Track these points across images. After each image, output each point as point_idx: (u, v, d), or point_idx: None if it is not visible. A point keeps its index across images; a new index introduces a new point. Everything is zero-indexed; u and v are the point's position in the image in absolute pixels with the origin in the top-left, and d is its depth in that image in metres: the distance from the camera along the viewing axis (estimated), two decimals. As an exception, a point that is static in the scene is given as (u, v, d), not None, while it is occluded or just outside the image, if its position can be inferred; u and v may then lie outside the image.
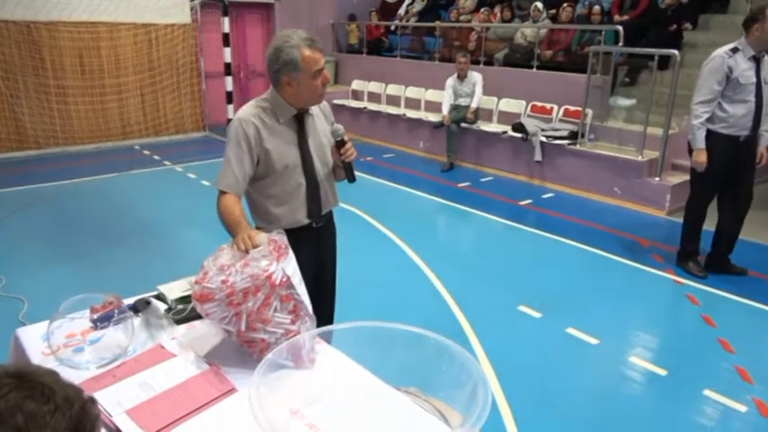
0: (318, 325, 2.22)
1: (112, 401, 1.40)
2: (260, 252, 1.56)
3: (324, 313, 2.40)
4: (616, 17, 7.18)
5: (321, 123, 2.22)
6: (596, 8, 7.06)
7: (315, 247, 2.26)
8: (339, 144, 2.12)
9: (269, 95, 2.11)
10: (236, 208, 1.99)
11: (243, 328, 1.51)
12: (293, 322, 1.56)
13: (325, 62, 2.08)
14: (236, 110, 9.45)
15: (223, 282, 1.48)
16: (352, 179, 2.19)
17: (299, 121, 2.13)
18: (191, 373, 1.54)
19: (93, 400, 0.87)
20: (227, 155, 2.06)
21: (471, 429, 1.18)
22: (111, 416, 1.35)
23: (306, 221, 2.19)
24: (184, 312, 1.83)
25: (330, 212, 2.34)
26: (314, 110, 2.18)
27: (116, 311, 1.73)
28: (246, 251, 1.62)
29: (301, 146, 2.13)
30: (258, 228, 2.17)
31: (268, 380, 1.33)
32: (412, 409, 1.44)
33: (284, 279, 1.51)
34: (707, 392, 2.87)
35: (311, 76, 2.00)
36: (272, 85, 2.09)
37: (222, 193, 2.04)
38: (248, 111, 2.09)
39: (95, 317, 1.74)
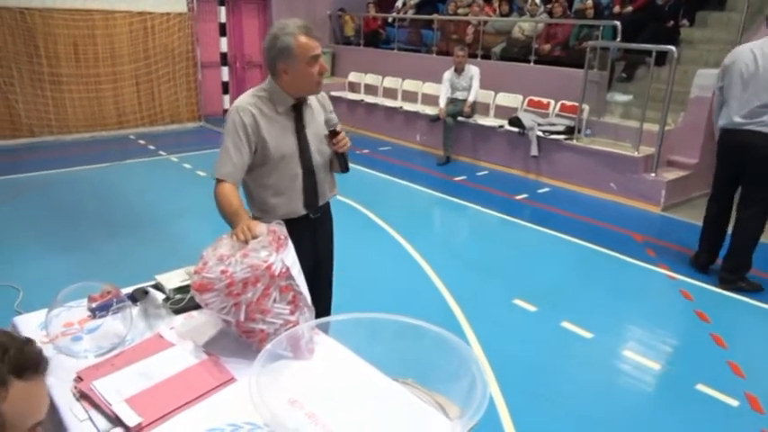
0: (315, 316, 2.23)
1: (112, 390, 1.40)
2: (259, 242, 1.56)
3: (320, 305, 2.40)
4: (617, 8, 7.15)
5: (319, 114, 2.21)
6: (589, 2, 7.06)
7: (312, 238, 2.26)
8: (332, 134, 2.14)
9: (267, 85, 2.11)
10: (234, 197, 1.98)
11: (242, 318, 1.51)
12: (292, 313, 1.57)
13: (322, 52, 2.07)
14: (232, 100, 9.40)
15: (222, 272, 1.48)
16: (345, 170, 2.23)
17: (297, 111, 2.12)
18: (190, 362, 1.55)
19: (30, 341, 0.86)
20: (225, 144, 2.05)
21: (469, 421, 1.19)
22: (110, 404, 1.35)
23: (303, 212, 2.19)
24: (182, 302, 1.83)
25: (327, 204, 2.34)
26: (312, 100, 2.18)
27: (114, 301, 1.73)
28: (246, 242, 1.61)
29: (299, 136, 2.12)
30: (255, 218, 2.16)
31: (267, 370, 1.33)
32: (411, 400, 1.44)
33: (283, 270, 1.51)
34: (699, 387, 2.90)
35: (306, 62, 1.99)
36: (269, 74, 2.09)
37: (219, 181, 2.03)
38: (245, 99, 2.09)
39: (94, 306, 1.74)
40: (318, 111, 2.22)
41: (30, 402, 0.85)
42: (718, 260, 4.20)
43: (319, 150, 2.18)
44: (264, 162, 2.10)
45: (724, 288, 3.96)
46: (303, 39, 1.96)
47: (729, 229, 4.10)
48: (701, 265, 4.22)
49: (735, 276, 3.95)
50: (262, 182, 2.13)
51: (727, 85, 3.87)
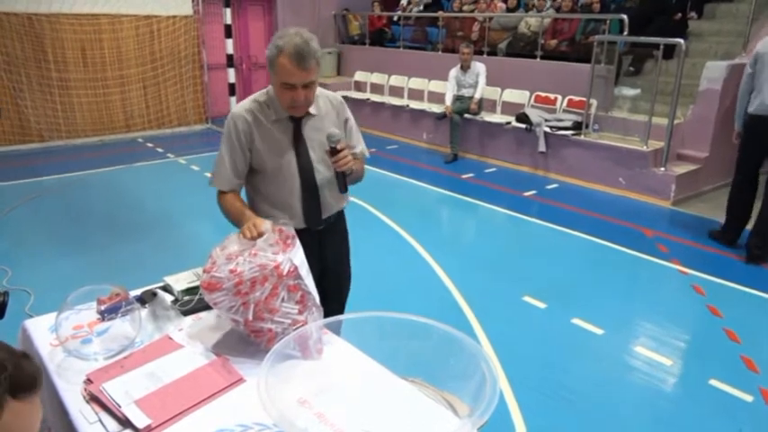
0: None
1: (121, 392, 1.40)
2: (267, 241, 1.56)
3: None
4: None
5: (328, 122, 2.02)
6: None
7: (316, 251, 2.06)
8: (332, 151, 1.90)
9: (270, 88, 1.97)
10: (237, 201, 1.98)
11: (250, 317, 1.51)
12: (300, 312, 1.56)
13: (310, 83, 1.85)
14: (238, 102, 9.45)
15: (231, 271, 1.48)
16: (342, 190, 2.00)
17: (296, 121, 1.97)
18: (199, 363, 1.55)
19: (26, 356, 0.83)
20: (220, 152, 1.99)
21: (479, 419, 1.18)
22: (119, 406, 1.35)
23: (302, 227, 2.02)
24: (191, 304, 1.83)
25: (338, 213, 2.18)
26: (321, 108, 2.01)
27: (123, 303, 1.73)
28: (253, 239, 1.62)
29: (297, 146, 1.97)
30: None
31: (276, 370, 1.33)
32: (419, 399, 1.44)
33: (292, 269, 1.51)
34: (712, 382, 2.87)
35: (279, 84, 1.85)
36: None
37: (220, 192, 2.01)
38: (243, 105, 1.99)
39: (103, 308, 1.74)
40: (330, 118, 2.03)
41: (23, 421, 0.81)
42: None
43: (325, 162, 1.99)
44: (260, 171, 2.00)
45: (753, 262, 4.17)
46: (284, 61, 1.79)
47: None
48: (730, 239, 4.38)
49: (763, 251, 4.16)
50: (259, 190, 2.03)
51: (760, 72, 3.92)
